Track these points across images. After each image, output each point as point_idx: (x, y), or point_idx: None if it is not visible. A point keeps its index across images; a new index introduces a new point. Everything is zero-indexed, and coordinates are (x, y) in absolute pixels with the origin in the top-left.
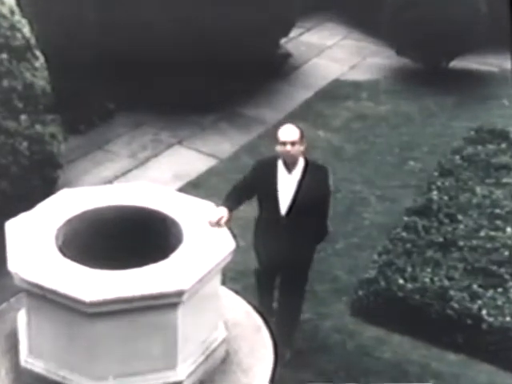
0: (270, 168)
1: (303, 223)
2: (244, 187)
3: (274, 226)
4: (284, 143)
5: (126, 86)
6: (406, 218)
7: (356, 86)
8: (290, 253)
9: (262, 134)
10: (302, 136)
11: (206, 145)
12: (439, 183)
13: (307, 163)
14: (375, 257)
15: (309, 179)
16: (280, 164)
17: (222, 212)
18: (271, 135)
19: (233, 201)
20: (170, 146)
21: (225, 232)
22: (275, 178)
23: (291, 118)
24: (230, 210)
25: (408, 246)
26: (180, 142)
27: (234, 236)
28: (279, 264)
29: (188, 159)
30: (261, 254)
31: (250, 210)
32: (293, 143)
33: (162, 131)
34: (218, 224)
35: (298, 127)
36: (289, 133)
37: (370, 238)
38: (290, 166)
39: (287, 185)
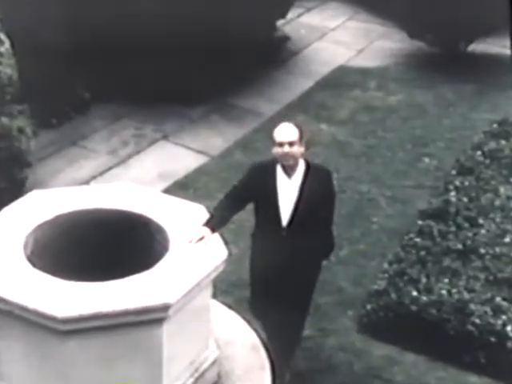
0: (268, 173)
1: (307, 235)
2: (238, 196)
3: (274, 240)
4: (281, 144)
5: (104, 73)
6: (419, 222)
7: (363, 73)
8: (294, 270)
9: (257, 128)
10: (302, 135)
11: (195, 140)
12: (457, 183)
13: (308, 166)
14: (385, 266)
15: (311, 184)
16: (278, 168)
17: (203, 232)
18: (268, 129)
19: (221, 216)
20: (154, 141)
21: (216, 239)
22: (274, 185)
23: (290, 109)
24: (219, 225)
25: (422, 253)
26: (165, 137)
27: (226, 243)
28: (280, 284)
29: (175, 156)
30: (258, 272)
31: (243, 212)
32: (291, 144)
33: (145, 125)
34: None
35: (297, 125)
36: (286, 132)
37: (380, 244)
38: (289, 170)
39: (287, 191)
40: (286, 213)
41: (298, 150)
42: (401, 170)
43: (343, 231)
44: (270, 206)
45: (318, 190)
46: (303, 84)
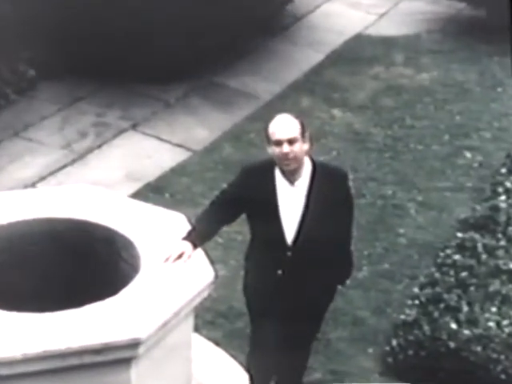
0: (264, 178)
1: (318, 255)
2: (227, 204)
3: (276, 262)
4: (279, 142)
5: (55, 44)
6: (459, 235)
7: (387, 43)
8: (301, 300)
9: (251, 115)
10: (304, 128)
11: (173, 130)
12: (509, 184)
13: (315, 167)
14: (415, 290)
15: (321, 190)
16: (278, 172)
17: (183, 248)
18: (265, 116)
19: (206, 228)
20: (120, 131)
21: (199, 256)
22: (274, 193)
23: (293, 91)
24: (204, 239)
25: (463, 274)
26: (134, 127)
27: (212, 262)
28: (284, 315)
29: (146, 151)
30: (255, 303)
31: (233, 223)
32: (291, 141)
33: (109, 110)
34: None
35: (297, 117)
36: (284, 127)
37: (408, 262)
38: (291, 175)
39: (291, 201)
40: (290, 228)
41: (300, 148)
42: (435, 168)
43: (362, 246)
44: (270, 220)
45: (331, 197)
46: (310, 58)
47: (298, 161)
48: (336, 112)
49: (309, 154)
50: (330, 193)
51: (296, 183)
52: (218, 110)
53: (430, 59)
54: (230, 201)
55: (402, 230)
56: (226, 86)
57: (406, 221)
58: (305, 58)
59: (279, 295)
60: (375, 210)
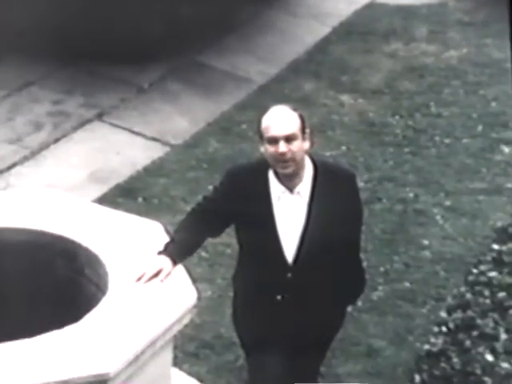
0: (256, 184)
1: (325, 275)
2: (211, 214)
3: (273, 285)
4: (274, 140)
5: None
6: (496, 247)
7: (406, 14)
8: (305, 329)
9: (242, 102)
10: (304, 123)
11: (147, 121)
12: None
13: (316, 168)
14: (443, 314)
15: (324, 196)
16: (272, 177)
17: (160, 264)
18: (258, 103)
19: (187, 240)
20: (82, 122)
21: (179, 274)
22: (268, 201)
23: (293, 72)
24: (184, 253)
25: (501, 295)
26: (100, 117)
27: (195, 280)
28: (284, 348)
29: (115, 146)
30: (248, 333)
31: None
32: (289, 139)
33: (68, 97)
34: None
35: (295, 109)
36: (281, 121)
37: (433, 280)
38: (289, 180)
39: (290, 212)
40: (290, 244)
41: (300, 147)
42: (466, 166)
43: (377, 262)
44: (264, 234)
45: (337, 205)
46: (313, 32)
47: (297, 162)
48: (345, 98)
49: (309, 152)
50: (336, 200)
51: (295, 190)
52: (201, 97)
53: (459, 33)
54: (213, 210)
55: (425, 242)
56: (211, 67)
57: (431, 230)
58: (307, 33)
59: (278, 325)
60: (393, 217)
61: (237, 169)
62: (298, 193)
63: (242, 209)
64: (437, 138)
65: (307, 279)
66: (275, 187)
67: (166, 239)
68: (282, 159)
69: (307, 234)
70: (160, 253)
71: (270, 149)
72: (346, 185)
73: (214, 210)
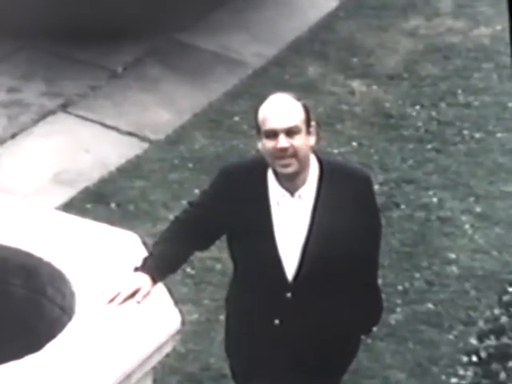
0: (252, 186)
1: (331, 295)
2: (199, 223)
3: (271, 307)
4: (273, 134)
5: None
6: None
7: None
8: (309, 359)
9: (234, 90)
10: (310, 115)
11: (121, 112)
12: None
13: (322, 168)
14: (473, 341)
15: (331, 202)
16: (271, 178)
17: (137, 283)
18: (254, 92)
19: (169, 255)
20: (43, 114)
21: (159, 294)
22: (266, 207)
23: (295, 54)
24: (166, 270)
25: None
26: (65, 107)
27: (178, 302)
28: (282, 379)
29: (83, 142)
30: (242, 363)
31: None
32: (291, 132)
33: (26, 83)
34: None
35: (298, 98)
36: (281, 112)
37: (462, 301)
38: (290, 181)
39: (291, 220)
40: (290, 258)
41: (304, 142)
42: (501, 166)
43: (395, 279)
44: (261, 246)
45: (347, 212)
46: (317, 6)
47: (299, 160)
48: (356, 85)
49: (314, 150)
50: (345, 206)
51: (297, 193)
52: (185, 83)
53: (491, 6)
54: (201, 218)
55: (452, 255)
56: (196, 48)
57: (459, 241)
58: (311, 6)
59: (276, 354)
60: (414, 226)
61: (230, 168)
62: (300, 197)
63: (235, 216)
64: (465, 132)
65: (310, 300)
66: (274, 190)
67: (145, 253)
68: (282, 156)
69: (310, 246)
70: (137, 269)
71: (269, 144)
72: (359, 188)
73: (203, 217)
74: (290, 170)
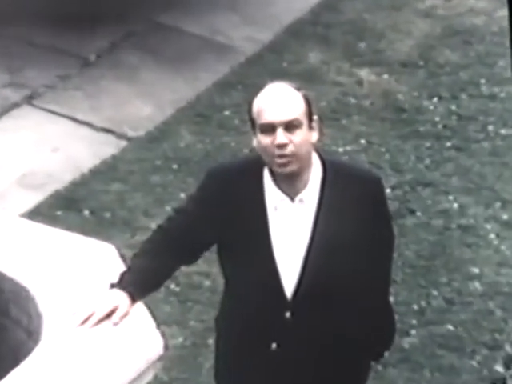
0: (246, 189)
1: (335, 315)
2: (185, 232)
3: (268, 328)
4: (270, 128)
5: None
6: None
7: None
8: None
9: (225, 80)
10: (311, 108)
11: (95, 106)
12: None
13: (325, 169)
14: (498, 368)
15: (336, 208)
16: (268, 179)
17: (114, 301)
18: (248, 82)
19: (150, 270)
20: (7, 108)
21: (139, 315)
22: (262, 213)
23: (294, 38)
24: (146, 287)
25: None
26: (31, 100)
27: (160, 324)
28: None
29: (51, 140)
30: None
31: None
32: (290, 126)
33: None
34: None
35: (298, 88)
36: (279, 103)
37: (486, 322)
38: (290, 183)
39: (290, 228)
40: (289, 271)
41: (305, 138)
42: None
43: (409, 297)
44: (256, 258)
45: (354, 220)
46: None
47: (300, 159)
48: (365, 73)
49: (317, 149)
50: (352, 213)
51: (298, 197)
52: (168, 72)
53: None
54: (189, 227)
55: (475, 269)
56: (181, 32)
57: (483, 253)
58: None
59: (273, 382)
60: (431, 236)
61: (220, 170)
62: (302, 201)
63: (226, 224)
64: (490, 128)
65: (312, 321)
66: (271, 194)
67: (122, 267)
68: (280, 154)
69: (312, 258)
70: (113, 286)
71: (265, 140)
72: (368, 193)
73: (189, 226)
74: (289, 169)
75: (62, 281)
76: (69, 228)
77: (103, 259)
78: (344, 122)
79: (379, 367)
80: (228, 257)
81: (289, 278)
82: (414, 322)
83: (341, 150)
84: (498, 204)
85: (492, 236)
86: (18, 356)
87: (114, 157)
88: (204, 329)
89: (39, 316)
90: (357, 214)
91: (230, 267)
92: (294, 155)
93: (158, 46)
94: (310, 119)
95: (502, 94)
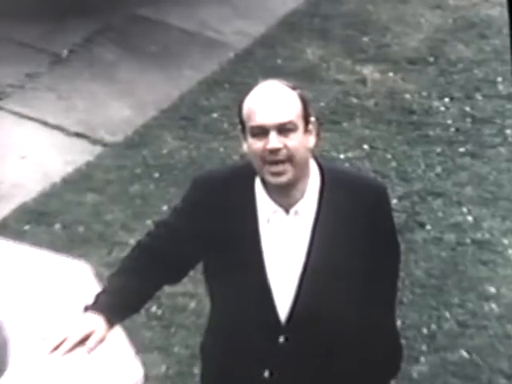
0: (236, 200)
1: (334, 340)
2: (167, 251)
3: (260, 355)
4: (261, 131)
5: None
6: None
7: None
8: None
9: (211, 78)
10: (308, 109)
11: (67, 107)
12: None
13: (324, 177)
14: None
15: (335, 221)
16: (260, 188)
17: (89, 326)
18: (237, 81)
19: (129, 291)
20: None
21: (117, 341)
22: (253, 228)
23: (288, 31)
24: (125, 310)
25: None
26: None
27: (138, 351)
28: None
29: (18, 146)
30: None
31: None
32: (284, 129)
33: None
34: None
35: (293, 87)
36: (272, 104)
37: (503, 347)
38: (284, 194)
39: (284, 241)
40: (284, 293)
41: (301, 143)
42: None
43: (418, 319)
44: (247, 277)
45: (355, 234)
46: None
47: (296, 167)
48: (368, 71)
49: (314, 155)
50: (353, 226)
51: (293, 209)
52: (149, 70)
53: None
54: (172, 242)
55: (491, 289)
56: (164, 25)
57: (500, 271)
58: None
59: None
60: (442, 252)
61: (207, 179)
62: (297, 213)
63: (214, 239)
64: (507, 132)
65: (308, 347)
66: (264, 205)
67: (98, 288)
68: (273, 160)
69: (309, 278)
70: (88, 309)
71: (256, 145)
72: (372, 204)
73: (173, 241)
74: (283, 179)
75: (31, 303)
76: (38, 244)
77: (76, 279)
78: (345, 124)
79: None
80: (215, 276)
81: (283, 298)
82: (424, 347)
83: (342, 156)
84: None
85: (510, 252)
86: None
87: (88, 164)
88: (189, 356)
89: (5, 342)
90: (358, 228)
91: (218, 287)
92: (288, 163)
93: (138, 40)
94: (307, 122)
95: None
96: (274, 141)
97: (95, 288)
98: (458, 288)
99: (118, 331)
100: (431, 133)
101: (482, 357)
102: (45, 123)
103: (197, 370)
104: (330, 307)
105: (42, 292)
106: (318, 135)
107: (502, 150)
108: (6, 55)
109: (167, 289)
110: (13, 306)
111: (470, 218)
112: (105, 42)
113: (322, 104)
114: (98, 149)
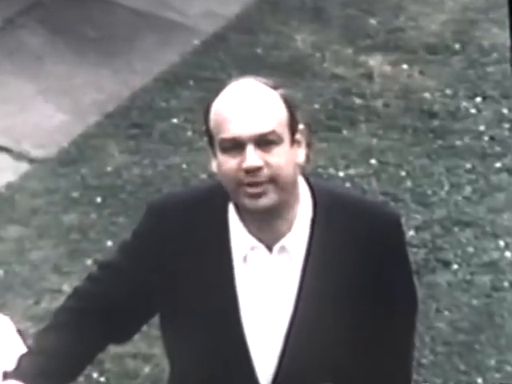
0: (203, 229)
1: None
2: (111, 299)
3: None
4: (235, 144)
5: None
6: None
7: None
8: None
9: (170, 73)
10: (294, 114)
11: None
12: None
13: (317, 203)
14: None
15: (332, 260)
16: (233, 218)
17: None
18: (203, 74)
19: (58, 357)
20: None
21: None
22: (227, 270)
23: (272, 12)
24: (55, 377)
25: None
26: None
27: None
28: None
29: None
30: None
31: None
32: (264, 142)
33: None
34: None
35: (275, 86)
36: (247, 109)
37: None
38: (264, 224)
39: (266, 287)
40: (265, 354)
41: (287, 158)
42: None
43: (442, 377)
44: (218, 333)
45: (358, 278)
46: None
47: (281, 189)
48: (376, 63)
49: (304, 173)
50: (355, 268)
51: (278, 245)
52: (91, 62)
53: None
54: (119, 288)
55: None
56: (110, 4)
57: None
58: None
59: None
60: (473, 300)
61: (165, 204)
62: (282, 251)
63: (175, 283)
64: None
65: None
66: (239, 239)
67: (21, 348)
68: (251, 182)
69: (296, 334)
70: (7, 376)
71: (228, 163)
72: (380, 238)
73: (120, 287)
74: (264, 202)
75: None
76: None
77: None
78: (346, 132)
79: None
80: (176, 332)
81: (264, 361)
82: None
83: (341, 173)
84: None
85: None
86: None
87: (10, 186)
88: None
89: None
90: (362, 270)
91: (179, 346)
92: (270, 184)
93: (74, 23)
94: (294, 131)
95: None
96: (252, 157)
97: (17, 348)
98: (494, 346)
99: None
100: (458, 143)
101: None
102: None
103: None
104: (323, 374)
105: None
106: (309, 147)
107: None
108: None
109: (113, 349)
110: None
111: (508, 255)
112: (31, 23)
113: (316, 106)
114: (22, 166)
